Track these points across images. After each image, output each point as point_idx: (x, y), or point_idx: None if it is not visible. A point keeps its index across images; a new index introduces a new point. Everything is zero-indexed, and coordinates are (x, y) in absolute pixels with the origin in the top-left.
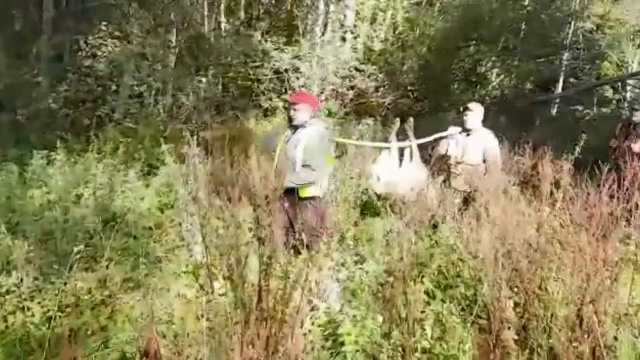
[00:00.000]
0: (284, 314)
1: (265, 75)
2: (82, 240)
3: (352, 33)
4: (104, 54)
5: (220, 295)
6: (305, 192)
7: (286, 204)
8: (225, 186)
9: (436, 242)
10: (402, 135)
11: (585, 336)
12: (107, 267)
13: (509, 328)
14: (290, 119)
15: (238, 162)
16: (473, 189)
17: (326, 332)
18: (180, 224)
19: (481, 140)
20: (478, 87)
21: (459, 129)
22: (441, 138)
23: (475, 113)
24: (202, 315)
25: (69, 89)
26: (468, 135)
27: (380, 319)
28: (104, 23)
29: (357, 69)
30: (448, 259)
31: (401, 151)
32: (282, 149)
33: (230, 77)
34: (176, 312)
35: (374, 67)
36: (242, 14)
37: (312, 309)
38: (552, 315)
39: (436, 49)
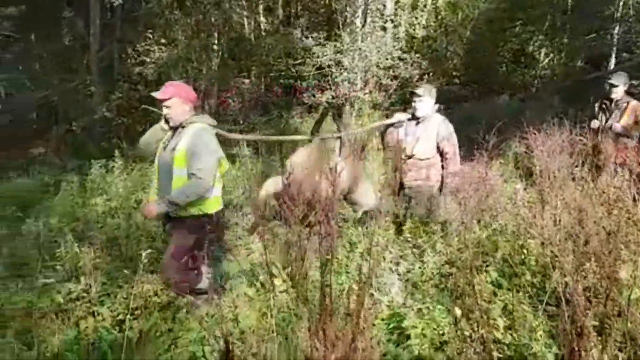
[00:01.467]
0: (349, 309)
1: (308, 72)
2: (146, 244)
3: (392, 22)
4: (152, 60)
5: (281, 292)
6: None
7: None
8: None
9: (499, 230)
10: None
11: None
12: None
13: (587, 315)
14: (165, 120)
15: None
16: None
17: (390, 326)
18: (236, 224)
19: (433, 129)
20: (527, 67)
21: (408, 115)
22: (389, 127)
23: (425, 98)
24: (266, 313)
25: (121, 97)
26: (418, 124)
27: (458, 311)
28: (150, 30)
29: (400, 58)
30: (512, 246)
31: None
32: (159, 157)
33: (273, 76)
34: (240, 311)
35: (417, 55)
36: (280, 13)
37: (374, 303)
38: (629, 298)
39: (481, 32)
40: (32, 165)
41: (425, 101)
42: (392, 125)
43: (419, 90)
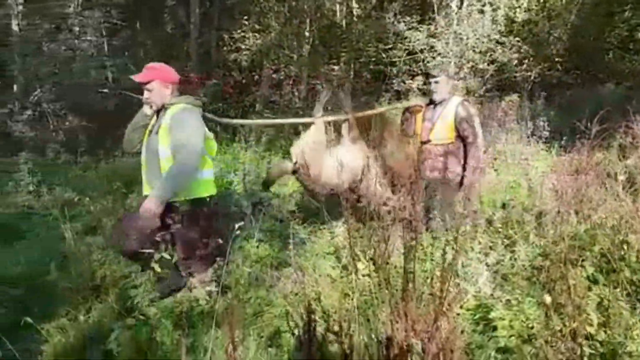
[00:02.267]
0: (432, 295)
1: (399, 57)
2: (236, 221)
3: (491, 5)
4: (247, 47)
5: (363, 275)
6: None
7: None
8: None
9: (598, 224)
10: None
11: None
12: (257, 247)
13: None
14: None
15: (375, 146)
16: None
17: (476, 316)
18: (318, 208)
19: (450, 111)
20: (636, 54)
21: (426, 99)
22: (406, 111)
23: (442, 79)
24: (348, 294)
25: (217, 82)
26: (435, 107)
27: (548, 299)
28: (245, 18)
29: (498, 42)
30: (612, 241)
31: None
32: (146, 144)
33: (362, 62)
34: (322, 291)
35: (517, 38)
36: None
37: (459, 292)
38: None
39: (586, 16)
40: None
41: (442, 82)
42: (409, 111)
43: (435, 72)
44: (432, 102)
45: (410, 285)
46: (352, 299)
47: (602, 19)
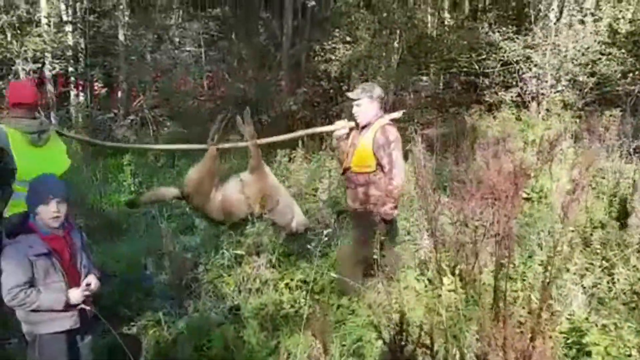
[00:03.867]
0: (527, 318)
1: (492, 68)
2: (320, 230)
3: (592, 15)
4: (337, 58)
5: (449, 290)
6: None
7: None
8: (452, 182)
9: None
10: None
11: None
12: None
13: None
14: None
15: (463, 158)
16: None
17: (569, 341)
18: (407, 219)
19: (370, 136)
20: None
21: (351, 123)
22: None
23: (363, 101)
24: (433, 309)
25: (306, 91)
26: (361, 132)
27: None
28: (336, 29)
29: (601, 53)
30: None
31: None
32: None
33: (453, 72)
34: (407, 303)
35: (622, 50)
36: (467, 7)
37: (552, 314)
38: None
39: None
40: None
41: (364, 104)
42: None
43: (352, 94)
44: (357, 125)
45: (502, 303)
46: (439, 314)
47: None
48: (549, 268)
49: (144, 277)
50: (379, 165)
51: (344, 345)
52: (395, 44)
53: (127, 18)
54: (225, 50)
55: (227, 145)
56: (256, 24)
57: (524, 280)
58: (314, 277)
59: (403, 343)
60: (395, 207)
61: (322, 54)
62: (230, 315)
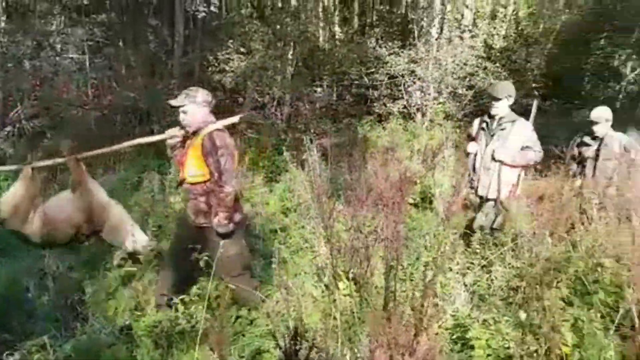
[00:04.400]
0: (411, 315)
1: (380, 81)
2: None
3: (470, 32)
4: (232, 69)
5: (345, 295)
6: None
7: None
8: (346, 190)
9: (572, 246)
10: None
11: None
12: None
13: None
14: None
15: (356, 167)
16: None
17: (454, 336)
18: (303, 227)
19: (198, 144)
20: (611, 82)
21: (183, 131)
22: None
23: (189, 107)
24: (330, 314)
25: None
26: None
27: (522, 315)
28: (230, 40)
29: (477, 67)
30: (586, 263)
31: None
32: None
33: (345, 85)
34: (305, 310)
35: (496, 65)
36: (356, 22)
37: (437, 311)
38: None
39: (563, 44)
40: (118, 164)
41: (190, 111)
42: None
43: (175, 101)
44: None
45: (391, 303)
46: (335, 318)
47: (578, 47)
48: (433, 268)
49: (25, 299)
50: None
51: (242, 357)
52: (290, 56)
53: (3, 24)
54: (112, 57)
55: (42, 163)
56: (145, 31)
57: (411, 280)
58: (210, 290)
59: (297, 348)
60: (230, 219)
61: (217, 64)
62: (122, 336)
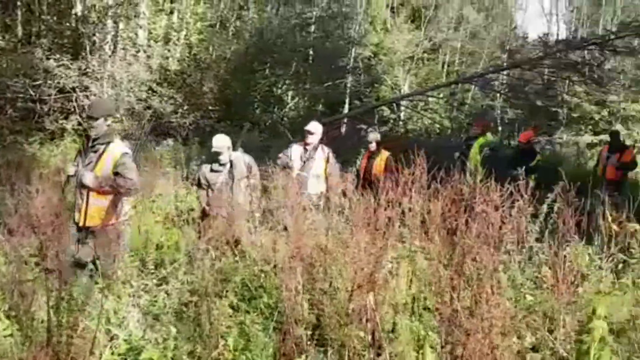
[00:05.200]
0: (78, 346)
1: (49, 96)
2: None
3: (145, 52)
4: None
5: (5, 336)
6: None
7: None
8: (3, 217)
9: (239, 257)
10: None
11: (367, 323)
12: None
13: (305, 328)
14: None
15: (19, 190)
16: None
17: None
18: None
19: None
20: (276, 108)
21: None
22: None
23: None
24: None
25: None
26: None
27: (173, 330)
28: None
29: (153, 91)
30: (251, 271)
31: None
32: None
33: (9, 98)
34: None
35: (172, 89)
36: (20, 31)
37: (111, 339)
38: (341, 308)
39: (234, 71)
40: None
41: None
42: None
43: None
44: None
45: (56, 337)
46: None
47: (247, 75)
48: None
49: None
50: None
51: None
52: None
53: None
54: None
55: None
56: None
57: (84, 310)
58: None
59: None
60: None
61: None
62: None
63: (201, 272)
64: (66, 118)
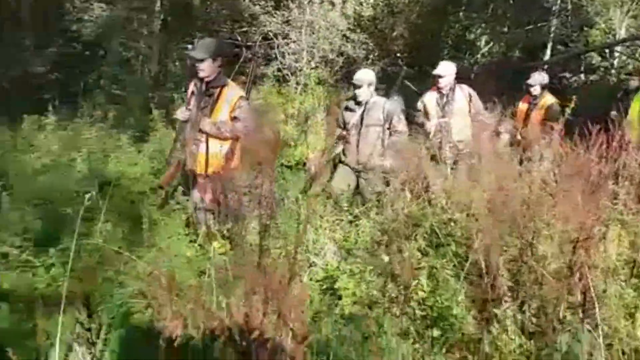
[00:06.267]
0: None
1: (254, 42)
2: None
3: None
4: (90, 19)
5: (220, 254)
6: None
7: None
8: None
9: (429, 202)
10: None
11: (578, 286)
12: (104, 230)
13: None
14: None
15: None
16: None
17: (324, 287)
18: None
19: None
20: (467, 54)
21: None
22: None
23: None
24: (204, 272)
25: (55, 52)
26: None
27: (385, 258)
28: None
29: (346, 37)
30: (440, 218)
31: None
32: None
33: None
34: (177, 270)
35: (364, 34)
36: None
37: (310, 266)
38: (543, 266)
39: (426, 15)
40: None
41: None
42: None
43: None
44: None
45: (265, 259)
46: (209, 276)
47: (439, 19)
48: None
49: None
50: None
51: (112, 318)
52: (157, 8)
53: None
54: None
55: None
56: None
57: (285, 238)
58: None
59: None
60: None
61: (75, 12)
62: None
63: (394, 213)
64: (267, 64)
